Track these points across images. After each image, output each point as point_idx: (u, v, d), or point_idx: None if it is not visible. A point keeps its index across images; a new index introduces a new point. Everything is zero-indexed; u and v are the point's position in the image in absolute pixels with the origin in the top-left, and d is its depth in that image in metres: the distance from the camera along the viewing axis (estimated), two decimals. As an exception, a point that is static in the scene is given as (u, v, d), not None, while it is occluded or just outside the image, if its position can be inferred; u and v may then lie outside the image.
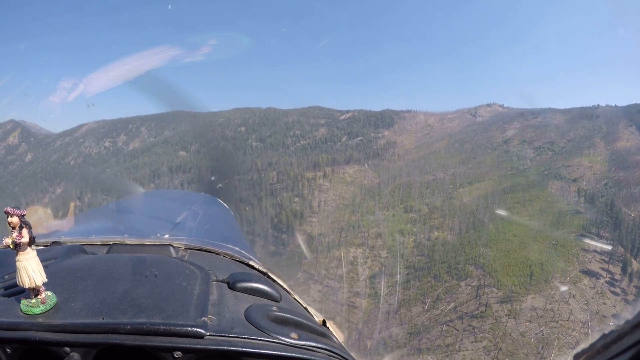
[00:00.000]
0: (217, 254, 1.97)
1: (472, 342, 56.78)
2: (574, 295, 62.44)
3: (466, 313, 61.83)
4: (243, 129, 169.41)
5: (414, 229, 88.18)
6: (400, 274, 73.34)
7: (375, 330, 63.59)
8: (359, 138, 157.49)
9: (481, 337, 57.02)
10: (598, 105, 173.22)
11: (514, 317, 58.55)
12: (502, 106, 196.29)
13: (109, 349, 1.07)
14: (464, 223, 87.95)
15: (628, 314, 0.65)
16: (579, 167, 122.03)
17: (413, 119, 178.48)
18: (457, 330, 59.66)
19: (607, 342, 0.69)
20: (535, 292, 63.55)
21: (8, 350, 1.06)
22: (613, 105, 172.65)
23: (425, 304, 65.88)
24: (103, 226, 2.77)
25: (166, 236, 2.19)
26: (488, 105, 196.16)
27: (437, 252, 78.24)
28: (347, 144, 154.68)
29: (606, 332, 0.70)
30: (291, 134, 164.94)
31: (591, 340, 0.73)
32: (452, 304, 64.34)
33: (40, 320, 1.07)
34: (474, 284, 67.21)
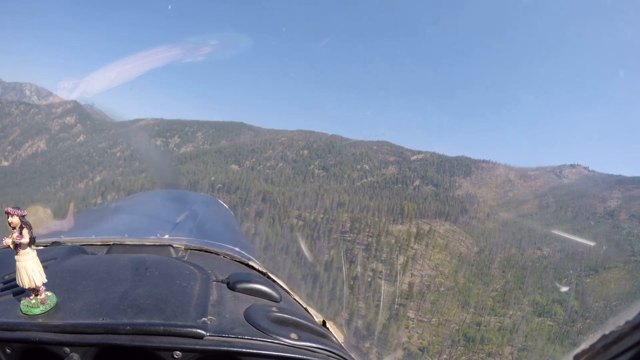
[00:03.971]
0: (217, 254, 1.87)
1: None
2: None
3: None
4: (306, 152, 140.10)
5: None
6: None
7: None
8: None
9: None
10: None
11: None
12: (587, 169, 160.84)
13: (108, 349, 1.02)
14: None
15: (628, 315, 0.60)
16: None
17: (492, 170, 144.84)
18: None
19: (607, 343, 0.63)
20: None
21: (8, 350, 1.01)
22: None
23: None
24: (103, 226, 2.57)
25: (166, 236, 2.05)
26: (572, 166, 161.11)
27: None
28: (421, 189, 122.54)
29: (606, 332, 0.63)
30: (358, 167, 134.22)
31: (591, 340, 0.65)
32: None
33: (40, 320, 1.02)
34: None
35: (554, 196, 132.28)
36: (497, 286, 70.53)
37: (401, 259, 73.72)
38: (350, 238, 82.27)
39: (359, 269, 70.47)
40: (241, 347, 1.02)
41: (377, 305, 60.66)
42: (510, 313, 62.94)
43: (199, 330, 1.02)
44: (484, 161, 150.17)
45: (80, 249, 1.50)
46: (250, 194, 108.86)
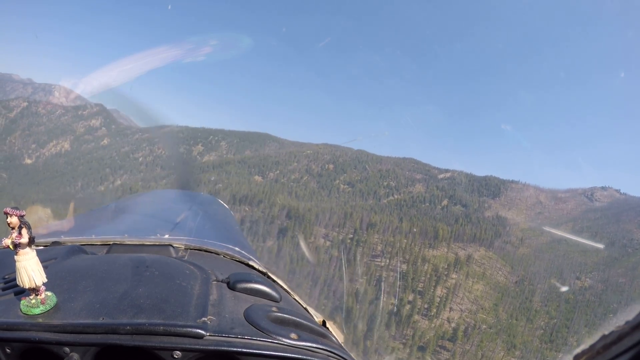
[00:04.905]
0: (217, 254, 1.86)
1: None
2: None
3: None
4: (331, 166, 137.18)
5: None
6: None
7: None
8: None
9: None
10: None
11: None
12: (618, 191, 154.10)
13: (108, 348, 1.01)
14: None
15: (628, 315, 0.59)
16: None
17: (521, 192, 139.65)
18: None
19: (607, 343, 0.62)
20: None
21: (8, 350, 1.01)
22: None
23: None
24: (103, 226, 2.61)
25: (166, 236, 2.05)
26: (603, 188, 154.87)
27: None
28: (450, 209, 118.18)
29: (606, 332, 0.63)
30: (385, 184, 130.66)
31: (591, 340, 0.64)
32: None
33: (40, 320, 1.01)
34: None
35: (586, 220, 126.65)
36: (542, 323, 65.95)
37: (439, 290, 69.35)
38: (382, 264, 78.11)
39: (393, 300, 66.43)
40: (241, 347, 1.01)
41: (419, 348, 56.34)
42: (560, 356, 58.20)
43: (199, 330, 1.01)
44: (513, 182, 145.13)
45: (80, 249, 1.49)
46: (275, 208, 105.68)
